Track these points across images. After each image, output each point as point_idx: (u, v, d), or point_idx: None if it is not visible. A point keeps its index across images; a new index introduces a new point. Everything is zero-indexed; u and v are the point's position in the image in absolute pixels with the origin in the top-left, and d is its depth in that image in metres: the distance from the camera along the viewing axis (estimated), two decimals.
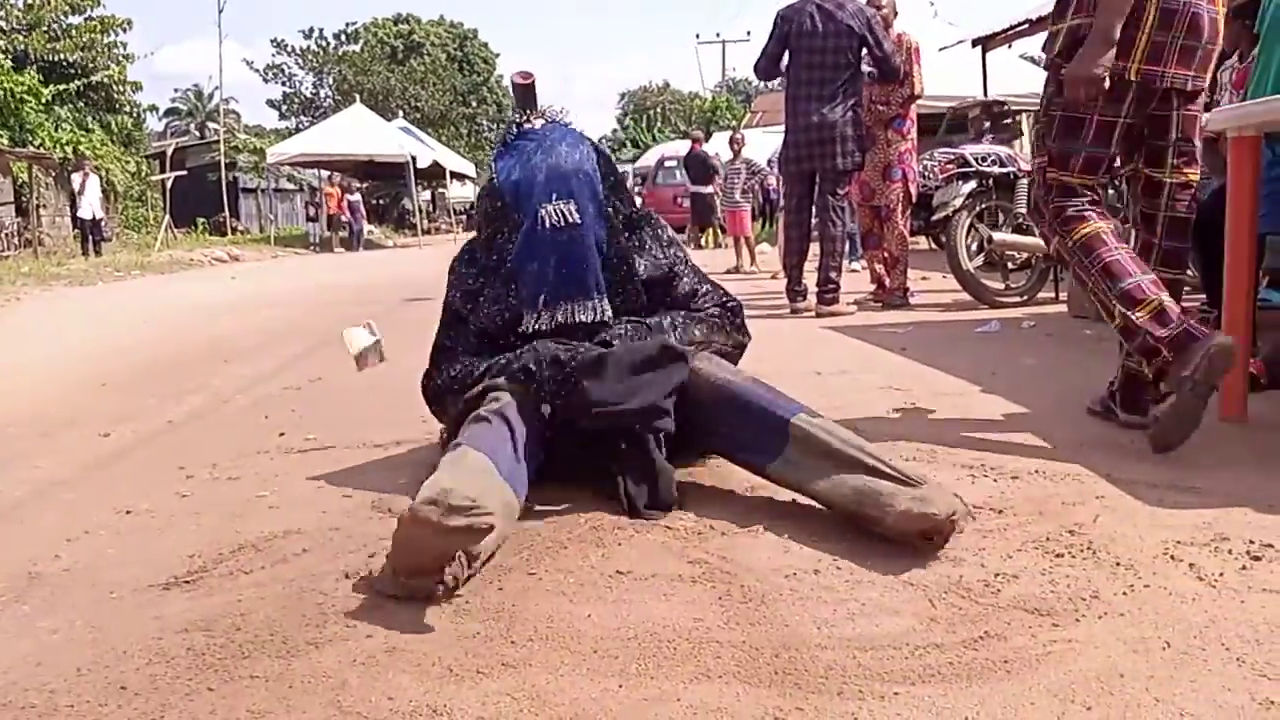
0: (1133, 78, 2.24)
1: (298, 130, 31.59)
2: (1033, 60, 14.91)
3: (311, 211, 22.72)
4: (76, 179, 15.87)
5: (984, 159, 5.50)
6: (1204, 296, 3.70)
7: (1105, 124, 2.30)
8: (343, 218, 20.64)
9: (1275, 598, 1.40)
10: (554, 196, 2.07)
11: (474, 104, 40.69)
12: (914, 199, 5.66)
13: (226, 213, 22.94)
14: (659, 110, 45.43)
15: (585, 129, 2.31)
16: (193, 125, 41.77)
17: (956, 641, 1.30)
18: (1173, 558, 1.56)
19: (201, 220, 22.79)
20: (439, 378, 2.18)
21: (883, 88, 5.46)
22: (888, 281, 5.63)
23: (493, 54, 43.07)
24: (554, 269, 2.09)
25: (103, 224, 16.47)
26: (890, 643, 1.31)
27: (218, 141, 24.65)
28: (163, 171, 20.86)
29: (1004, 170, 5.46)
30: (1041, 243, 4.82)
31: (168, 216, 19.58)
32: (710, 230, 14.32)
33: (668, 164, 18.81)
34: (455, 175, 24.95)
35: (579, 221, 2.08)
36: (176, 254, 15.46)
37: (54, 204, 17.74)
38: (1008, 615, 1.38)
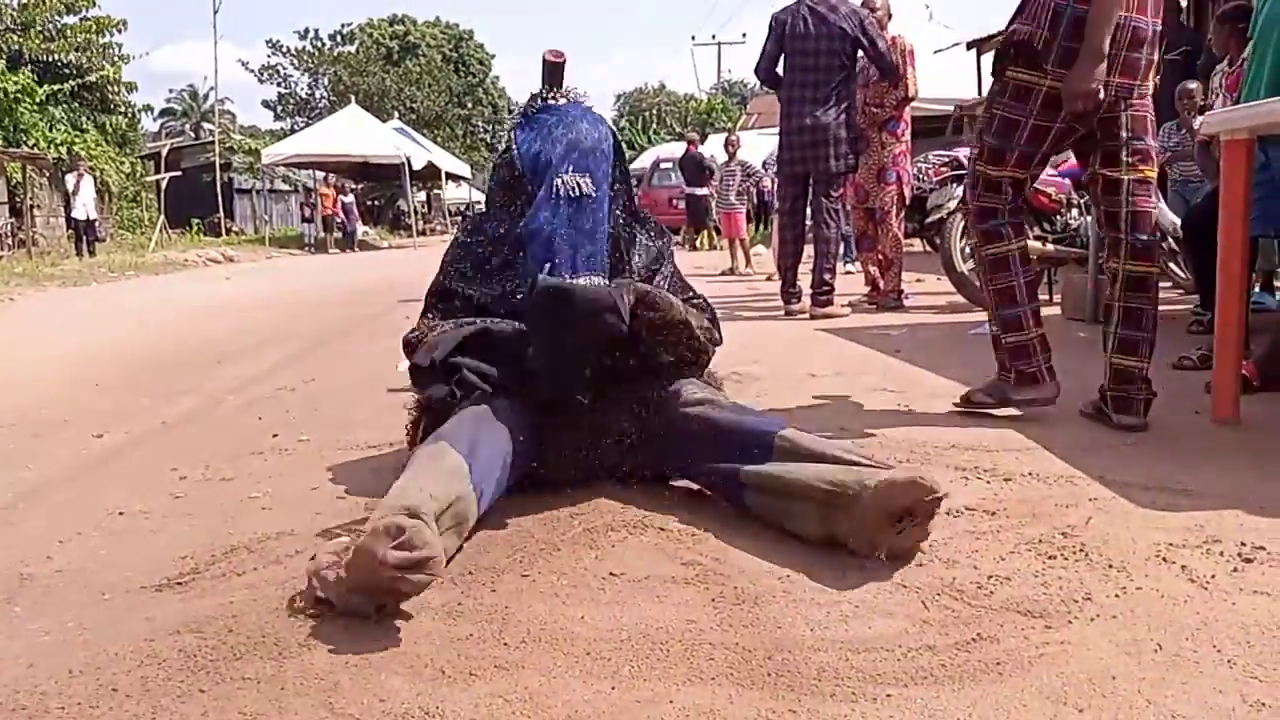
0: None
1: (293, 131, 31.57)
2: None
3: (306, 212, 22.66)
4: (71, 179, 15.81)
5: None
6: (1197, 299, 3.71)
7: (1040, 127, 2.44)
8: (337, 219, 20.62)
9: (1266, 600, 1.41)
10: (571, 170, 2.07)
11: (469, 105, 40.67)
12: (908, 201, 5.67)
13: (221, 213, 22.88)
14: (654, 112, 45.44)
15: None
16: (188, 126, 41.76)
17: (949, 643, 1.30)
18: (1165, 560, 1.56)
19: (196, 221, 22.76)
20: (415, 333, 2.15)
21: (877, 90, 5.47)
22: (882, 283, 5.65)
23: (488, 55, 43.10)
24: (564, 239, 2.08)
25: (97, 225, 16.40)
26: (883, 645, 1.31)
27: (213, 142, 24.59)
28: (157, 172, 20.85)
29: None
30: (1036, 244, 4.86)
31: (162, 217, 19.57)
32: (705, 232, 14.35)
33: (663, 166, 18.79)
34: (450, 176, 24.97)
35: (593, 195, 2.08)
36: (171, 255, 15.42)
37: (48, 204, 17.68)
38: (1000, 617, 1.38)
